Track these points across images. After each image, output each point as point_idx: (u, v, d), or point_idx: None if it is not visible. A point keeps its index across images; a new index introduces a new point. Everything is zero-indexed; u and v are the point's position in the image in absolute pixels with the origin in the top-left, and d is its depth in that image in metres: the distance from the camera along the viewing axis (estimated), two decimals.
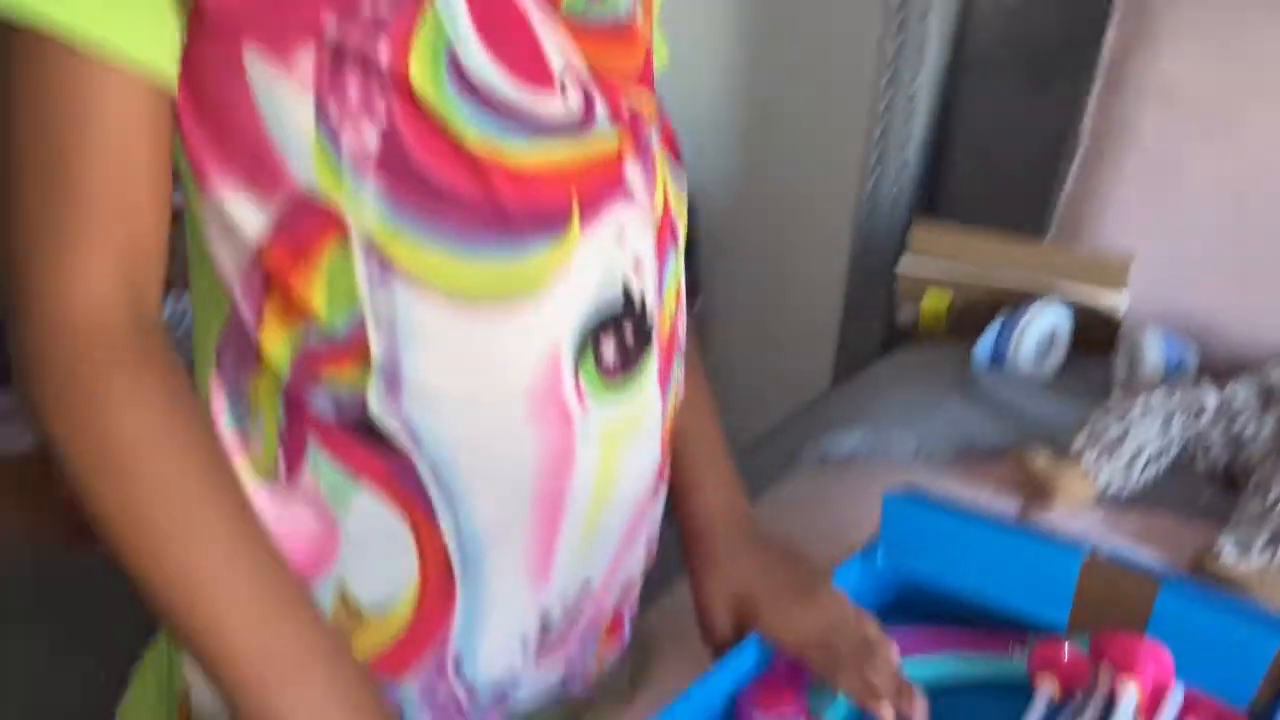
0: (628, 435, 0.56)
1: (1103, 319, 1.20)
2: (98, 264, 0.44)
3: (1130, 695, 0.56)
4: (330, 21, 0.44)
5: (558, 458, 0.53)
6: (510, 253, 0.49)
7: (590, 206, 0.51)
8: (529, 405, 0.51)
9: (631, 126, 0.53)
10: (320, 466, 0.51)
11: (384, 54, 0.45)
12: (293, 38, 0.44)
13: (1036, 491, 0.89)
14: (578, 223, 0.50)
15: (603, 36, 0.53)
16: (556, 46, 0.50)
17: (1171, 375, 1.10)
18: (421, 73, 0.45)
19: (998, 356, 1.17)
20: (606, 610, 0.64)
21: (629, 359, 0.54)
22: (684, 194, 0.60)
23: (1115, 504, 0.91)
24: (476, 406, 0.51)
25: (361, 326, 0.48)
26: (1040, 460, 0.90)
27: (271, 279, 0.48)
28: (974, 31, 1.49)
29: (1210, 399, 0.97)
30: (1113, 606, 0.60)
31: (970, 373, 1.16)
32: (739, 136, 1.79)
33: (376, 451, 0.51)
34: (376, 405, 0.49)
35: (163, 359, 0.46)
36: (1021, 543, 0.65)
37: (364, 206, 0.46)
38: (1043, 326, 1.17)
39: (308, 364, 0.49)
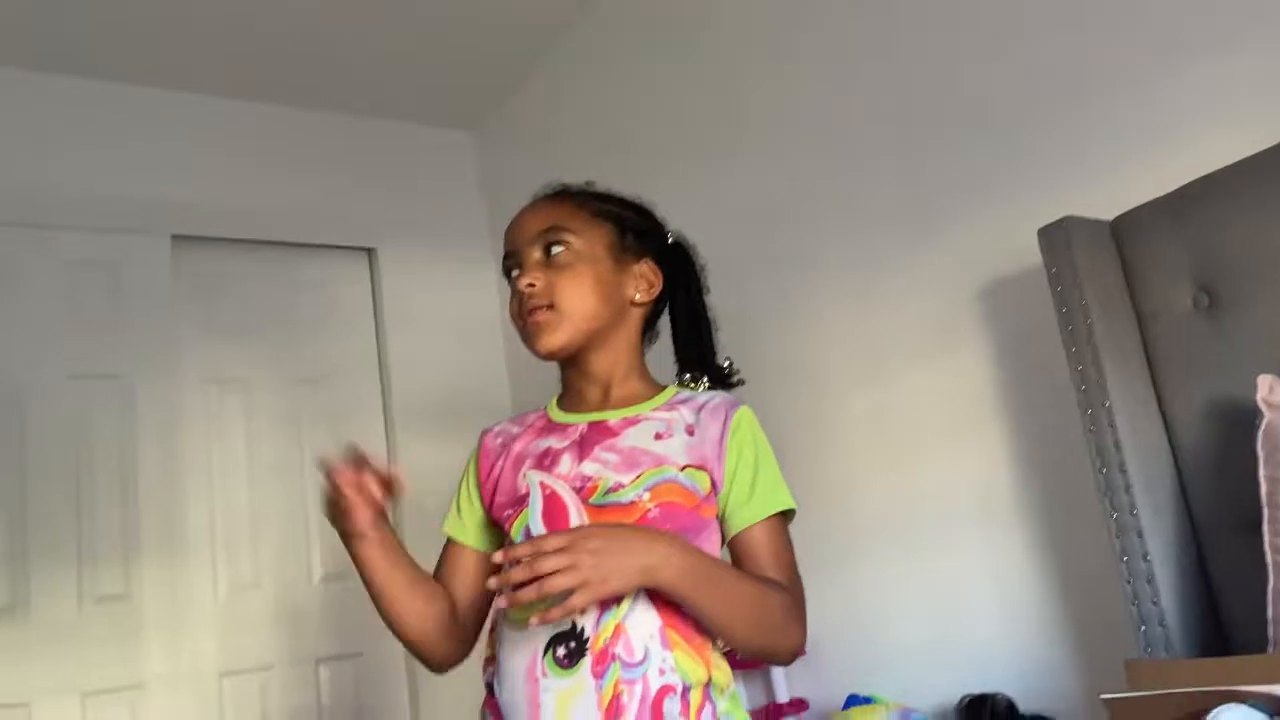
0: (573, 695, 1.06)
1: None
2: None
3: None
4: (505, 513, 1.19)
5: (534, 705, 1.08)
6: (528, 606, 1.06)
7: None
8: (526, 676, 1.10)
9: None
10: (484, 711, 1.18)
11: (506, 526, 1.19)
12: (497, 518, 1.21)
13: None
14: None
15: (605, 510, 1.12)
16: (577, 519, 1.13)
17: None
18: (513, 536, 1.17)
19: None
20: None
21: (571, 658, 1.08)
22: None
23: None
24: (511, 678, 1.12)
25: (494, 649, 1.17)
26: None
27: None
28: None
29: None
30: None
31: None
32: None
33: (492, 697, 1.15)
34: (494, 682, 1.15)
35: None
36: None
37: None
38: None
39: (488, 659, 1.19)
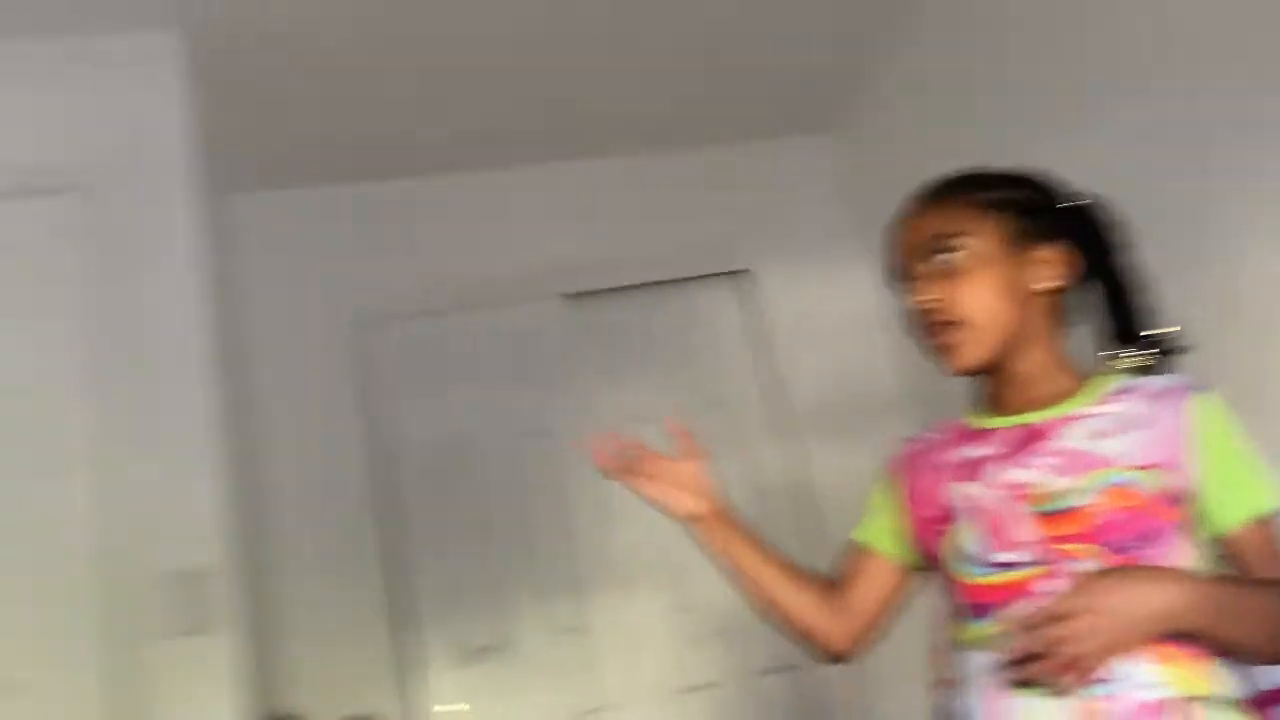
0: (1044, 715, 0.99)
1: None
2: None
3: None
4: (932, 528, 1.15)
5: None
6: (979, 622, 1.07)
7: (1008, 603, 1.05)
8: (985, 695, 1.05)
9: (1053, 562, 1.03)
10: None
11: (939, 550, 1.14)
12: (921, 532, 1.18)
13: None
14: (997, 609, 1.06)
15: (1051, 518, 1.04)
16: (1021, 530, 1.06)
17: None
18: (946, 556, 1.13)
19: None
20: None
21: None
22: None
23: None
24: (971, 694, 1.07)
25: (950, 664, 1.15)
26: None
27: None
28: None
29: None
30: None
31: None
32: None
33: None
34: (953, 700, 1.11)
35: None
36: None
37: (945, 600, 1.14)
38: None
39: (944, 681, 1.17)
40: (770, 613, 1.24)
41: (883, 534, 1.22)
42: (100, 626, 2.16)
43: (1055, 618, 0.93)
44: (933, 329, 1.12)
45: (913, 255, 1.14)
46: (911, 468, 1.20)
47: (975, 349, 1.10)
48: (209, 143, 2.56)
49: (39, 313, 2.30)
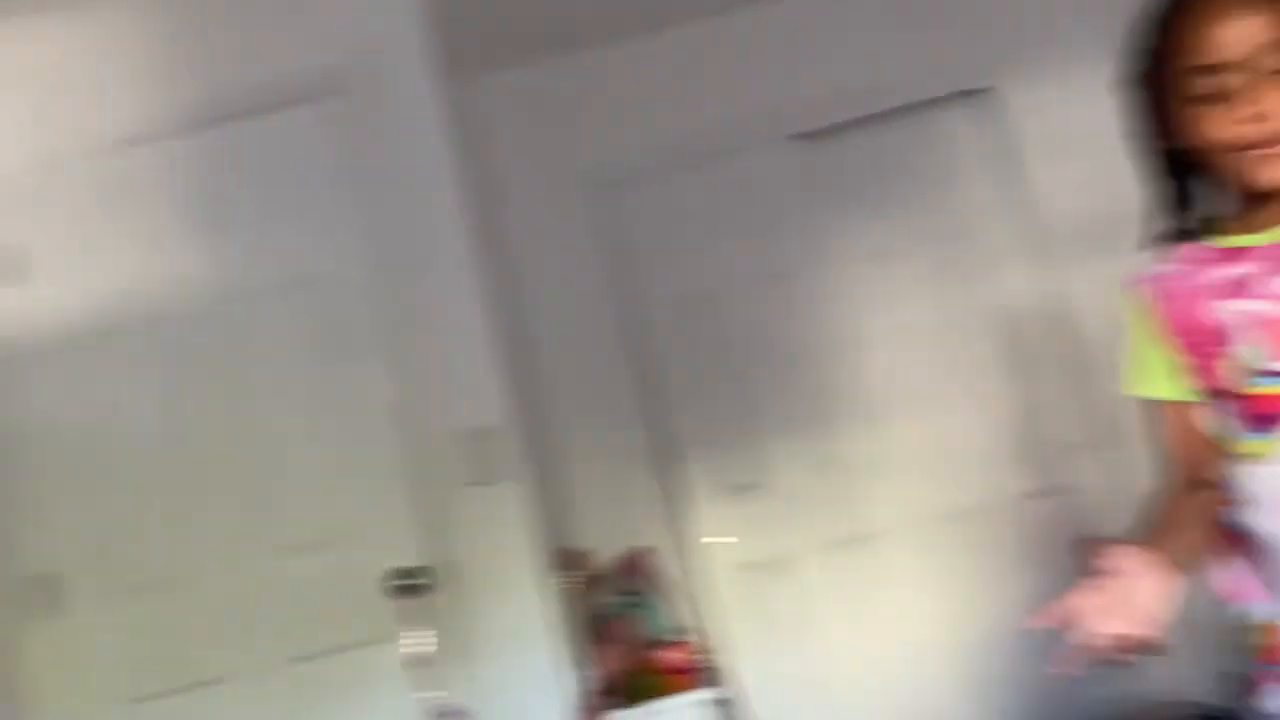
0: None
1: None
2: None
3: None
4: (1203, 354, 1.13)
5: None
6: (1272, 433, 1.06)
7: None
8: None
9: None
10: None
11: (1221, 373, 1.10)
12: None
13: None
14: None
15: None
16: None
17: None
18: (1231, 376, 1.09)
19: None
20: None
21: None
22: None
23: None
24: (1272, 508, 1.08)
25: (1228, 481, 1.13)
26: None
27: None
28: None
29: None
30: None
31: None
32: None
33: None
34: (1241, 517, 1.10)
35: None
36: None
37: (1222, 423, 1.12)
38: None
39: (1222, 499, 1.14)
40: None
41: (1168, 381, 1.17)
42: (405, 482, 2.47)
43: None
44: (1263, 141, 1.04)
45: (1249, 54, 1.05)
46: (1167, 296, 1.17)
47: None
48: (446, 28, 2.69)
49: (319, 212, 2.57)
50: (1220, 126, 1.06)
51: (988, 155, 3.31)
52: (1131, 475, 1.23)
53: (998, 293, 3.27)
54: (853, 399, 3.20)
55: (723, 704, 2.64)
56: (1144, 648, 0.94)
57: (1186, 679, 2.98)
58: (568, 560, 2.67)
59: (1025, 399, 3.22)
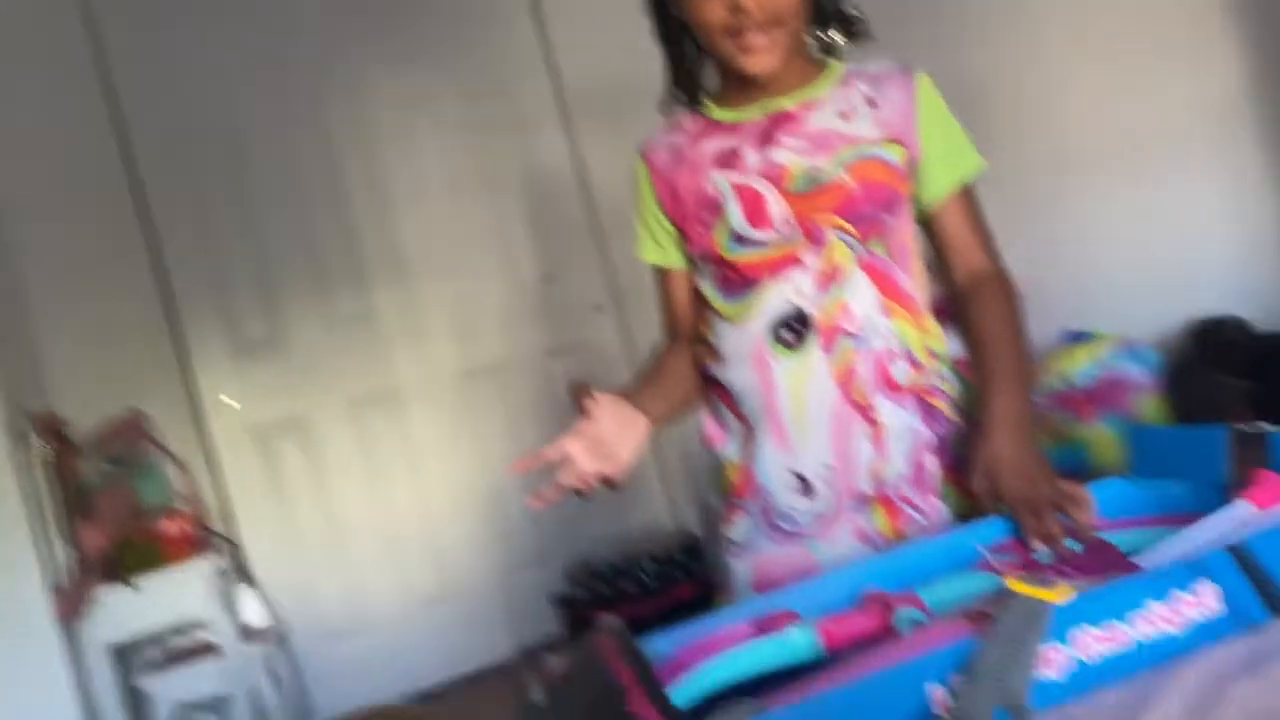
0: (804, 375, 1.13)
1: None
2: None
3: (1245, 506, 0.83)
4: (697, 222, 1.17)
5: (768, 386, 1.14)
6: (744, 297, 1.15)
7: (776, 274, 1.13)
8: (753, 361, 1.15)
9: (812, 234, 1.12)
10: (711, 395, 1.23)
11: (712, 239, 1.16)
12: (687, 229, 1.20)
13: None
14: (769, 281, 1.13)
15: (806, 196, 1.12)
16: (778, 208, 1.12)
17: None
18: (720, 242, 1.15)
19: None
20: (864, 494, 1.13)
21: (798, 338, 1.12)
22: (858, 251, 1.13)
23: None
24: (738, 364, 1.16)
25: (709, 339, 1.20)
26: None
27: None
28: None
29: None
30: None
31: None
32: None
33: (717, 384, 1.20)
34: (717, 370, 1.20)
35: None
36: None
37: (709, 286, 1.19)
38: None
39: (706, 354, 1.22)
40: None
41: (670, 248, 1.23)
42: None
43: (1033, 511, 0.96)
44: (745, 29, 1.08)
45: None
46: (664, 170, 1.21)
47: (780, 54, 1.11)
48: None
49: None
50: (705, 8, 1.10)
51: (521, 12, 3.28)
52: (645, 334, 1.30)
53: (526, 152, 3.29)
54: (376, 253, 3.09)
55: (226, 572, 2.50)
56: (608, 484, 1.07)
57: (681, 510, 3.34)
58: (45, 427, 2.33)
59: (549, 259, 3.31)
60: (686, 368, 1.23)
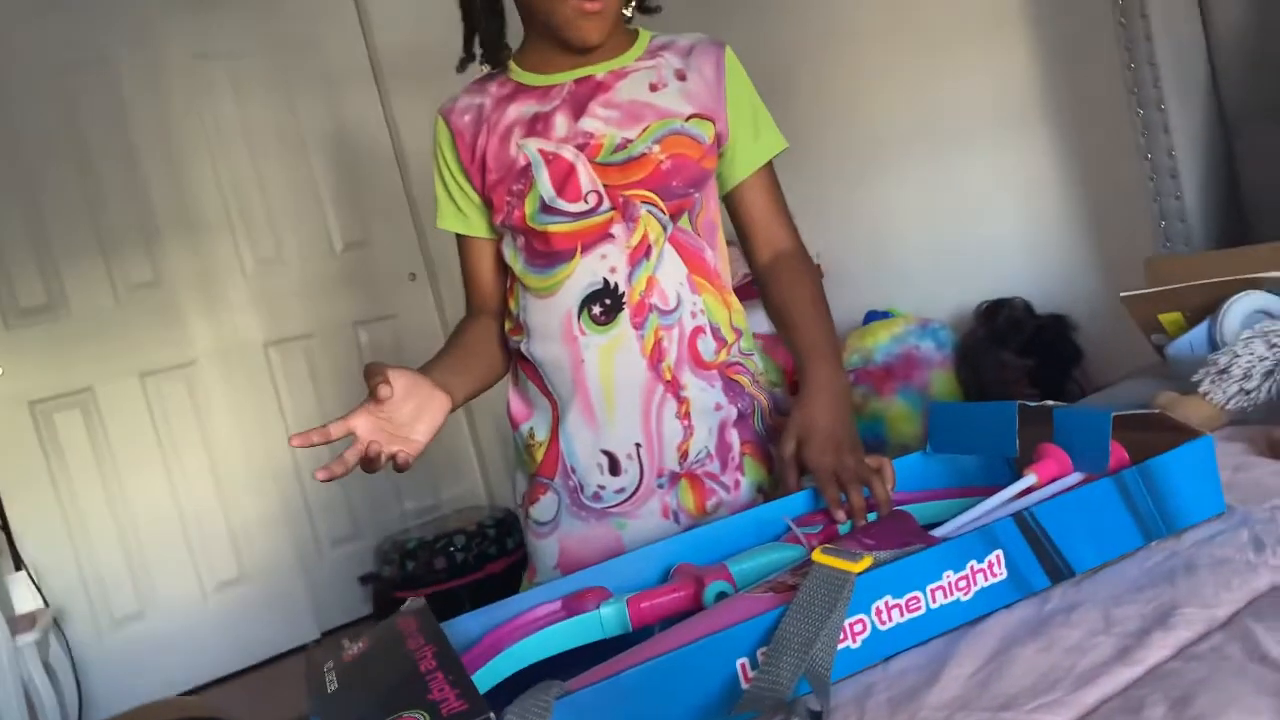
0: (614, 352, 1.11)
1: None
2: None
3: (1030, 478, 0.88)
4: (505, 190, 1.13)
5: (576, 362, 1.12)
6: (553, 270, 1.12)
7: (588, 248, 1.11)
8: (562, 336, 1.12)
9: (623, 208, 1.10)
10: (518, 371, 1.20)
11: (520, 209, 1.12)
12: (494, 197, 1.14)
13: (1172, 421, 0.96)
14: (579, 254, 1.11)
15: (617, 168, 1.10)
16: (588, 178, 1.10)
17: None
18: (528, 212, 1.11)
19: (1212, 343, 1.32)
20: (672, 471, 1.13)
21: (608, 314, 1.10)
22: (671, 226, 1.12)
23: (1244, 420, 1.14)
24: (546, 340, 1.13)
25: (516, 313, 1.17)
26: (1163, 397, 1.17)
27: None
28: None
29: None
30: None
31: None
32: None
33: (525, 360, 1.17)
34: (524, 345, 1.16)
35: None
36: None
37: (516, 258, 1.16)
38: (1247, 306, 1.29)
39: (513, 329, 1.18)
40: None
41: (473, 217, 1.18)
42: None
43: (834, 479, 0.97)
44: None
45: None
46: (468, 135, 1.16)
47: (609, 23, 1.09)
48: None
49: None
50: None
51: None
52: (461, 304, 1.24)
53: (335, 111, 3.16)
54: (168, 214, 2.88)
55: None
56: (396, 466, 1.00)
57: (496, 485, 3.30)
58: None
59: (358, 225, 3.19)
60: (490, 342, 1.19)
